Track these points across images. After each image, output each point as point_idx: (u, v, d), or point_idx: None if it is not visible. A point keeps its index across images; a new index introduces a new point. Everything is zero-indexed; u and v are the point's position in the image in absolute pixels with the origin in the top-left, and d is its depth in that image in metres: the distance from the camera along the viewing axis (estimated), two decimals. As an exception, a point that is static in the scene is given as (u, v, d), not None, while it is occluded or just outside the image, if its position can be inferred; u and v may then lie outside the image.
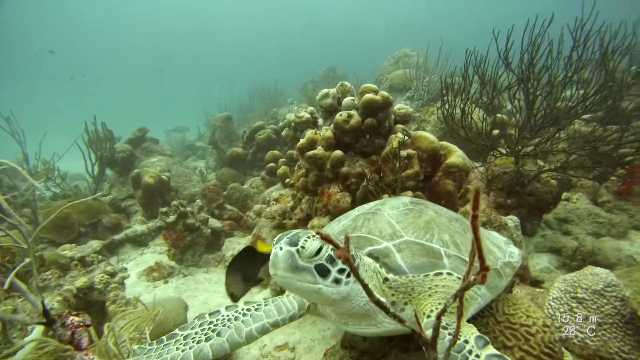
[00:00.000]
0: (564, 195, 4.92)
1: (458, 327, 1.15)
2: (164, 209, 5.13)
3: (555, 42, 3.83)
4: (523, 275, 2.90)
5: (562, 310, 2.19)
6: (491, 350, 1.24)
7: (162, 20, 69.93)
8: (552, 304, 2.26)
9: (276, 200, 4.62)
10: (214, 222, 5.51)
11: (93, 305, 3.32)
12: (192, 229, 5.05)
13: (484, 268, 0.93)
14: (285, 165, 5.41)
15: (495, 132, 4.41)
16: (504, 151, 4.19)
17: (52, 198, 7.08)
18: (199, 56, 67.52)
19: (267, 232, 4.48)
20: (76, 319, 1.29)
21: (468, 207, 3.05)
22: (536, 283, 3.17)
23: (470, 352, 1.23)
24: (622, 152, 4.27)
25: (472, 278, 0.96)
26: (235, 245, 5.11)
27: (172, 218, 4.99)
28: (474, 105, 4.21)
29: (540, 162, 4.71)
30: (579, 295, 2.17)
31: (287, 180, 4.91)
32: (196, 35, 70.87)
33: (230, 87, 18.59)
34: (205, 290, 4.55)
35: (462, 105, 4.03)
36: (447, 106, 4.27)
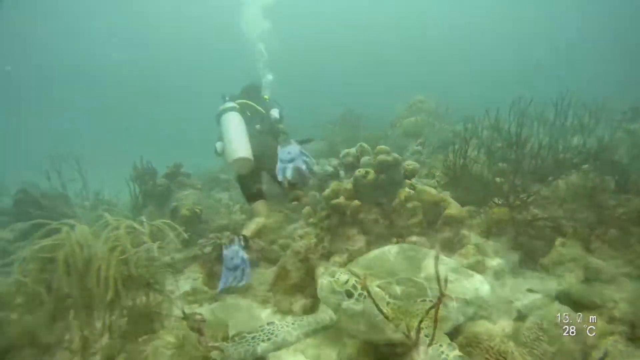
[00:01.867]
0: (558, 240, 5.45)
1: (434, 332, 1.82)
2: (201, 240, 5.87)
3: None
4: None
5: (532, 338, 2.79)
6: (458, 352, 1.90)
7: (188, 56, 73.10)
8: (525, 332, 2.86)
9: (301, 237, 5.32)
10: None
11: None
12: (225, 259, 5.73)
13: (442, 295, 1.66)
14: (309, 206, 6.14)
15: (497, 179, 5.10)
16: (499, 202, 4.84)
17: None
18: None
19: (291, 263, 5.16)
20: (198, 317, 2.07)
21: (462, 250, 3.71)
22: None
23: (442, 352, 1.89)
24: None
25: (435, 300, 1.68)
26: (259, 276, 5.75)
27: (208, 249, 5.73)
28: (473, 162, 4.94)
29: (535, 211, 5.32)
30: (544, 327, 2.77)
31: (311, 220, 5.64)
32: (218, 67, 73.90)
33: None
34: (234, 313, 5.18)
35: (461, 162, 4.78)
36: (449, 161, 5.02)
